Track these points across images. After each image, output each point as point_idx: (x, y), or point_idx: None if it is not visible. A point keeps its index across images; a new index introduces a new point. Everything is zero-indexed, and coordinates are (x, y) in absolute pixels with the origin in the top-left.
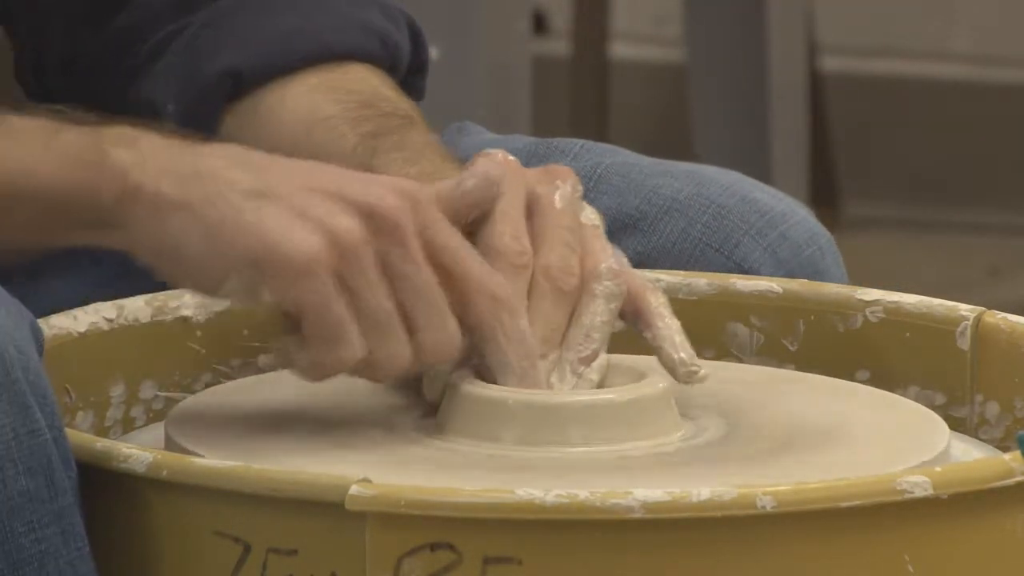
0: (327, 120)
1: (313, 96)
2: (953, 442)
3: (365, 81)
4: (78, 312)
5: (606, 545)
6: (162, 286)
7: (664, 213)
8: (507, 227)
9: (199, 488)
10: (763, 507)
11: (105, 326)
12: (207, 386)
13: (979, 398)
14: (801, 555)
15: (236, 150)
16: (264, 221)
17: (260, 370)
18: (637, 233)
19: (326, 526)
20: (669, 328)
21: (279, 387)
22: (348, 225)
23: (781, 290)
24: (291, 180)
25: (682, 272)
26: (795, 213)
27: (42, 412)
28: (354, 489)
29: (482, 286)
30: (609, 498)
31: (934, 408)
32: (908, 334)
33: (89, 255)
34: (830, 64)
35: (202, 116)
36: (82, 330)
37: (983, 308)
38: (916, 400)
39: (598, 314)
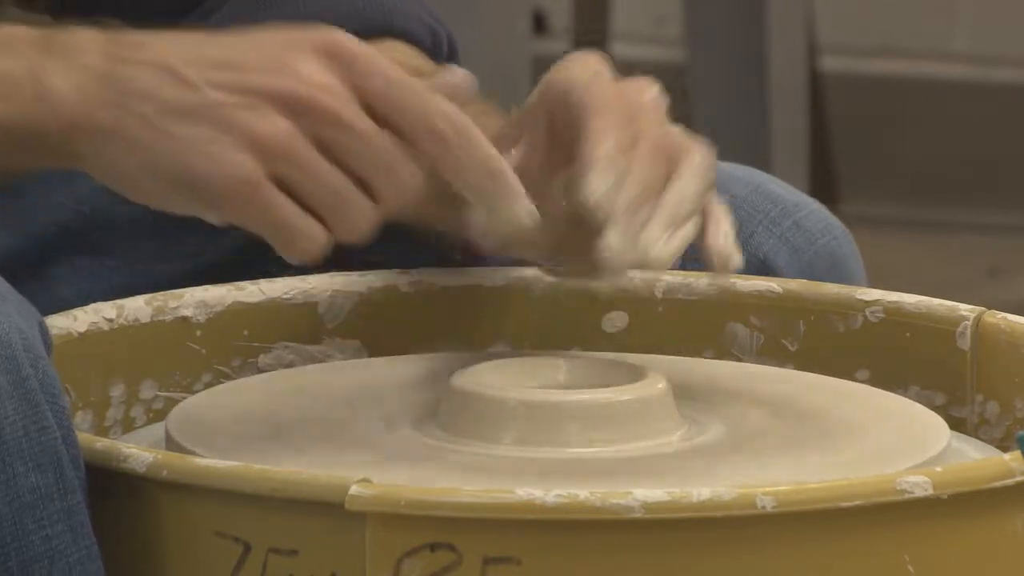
0: None
1: None
2: (953, 442)
3: (420, 58)
4: (78, 312)
5: (606, 545)
6: (162, 286)
7: None
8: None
9: (199, 488)
10: (763, 507)
11: (105, 326)
12: (207, 386)
13: (979, 398)
14: (801, 555)
15: (163, 50)
16: (193, 147)
17: (260, 370)
18: None
19: (326, 526)
20: (719, 221)
21: (279, 387)
22: (273, 128)
23: (781, 290)
24: (216, 78)
25: (682, 272)
26: (808, 204)
27: (51, 410)
28: (354, 489)
29: (425, 116)
30: (609, 498)
31: (934, 408)
32: (908, 334)
33: (90, 254)
34: (830, 64)
35: None
36: (82, 330)
37: (983, 308)
38: (916, 400)
39: (692, 183)
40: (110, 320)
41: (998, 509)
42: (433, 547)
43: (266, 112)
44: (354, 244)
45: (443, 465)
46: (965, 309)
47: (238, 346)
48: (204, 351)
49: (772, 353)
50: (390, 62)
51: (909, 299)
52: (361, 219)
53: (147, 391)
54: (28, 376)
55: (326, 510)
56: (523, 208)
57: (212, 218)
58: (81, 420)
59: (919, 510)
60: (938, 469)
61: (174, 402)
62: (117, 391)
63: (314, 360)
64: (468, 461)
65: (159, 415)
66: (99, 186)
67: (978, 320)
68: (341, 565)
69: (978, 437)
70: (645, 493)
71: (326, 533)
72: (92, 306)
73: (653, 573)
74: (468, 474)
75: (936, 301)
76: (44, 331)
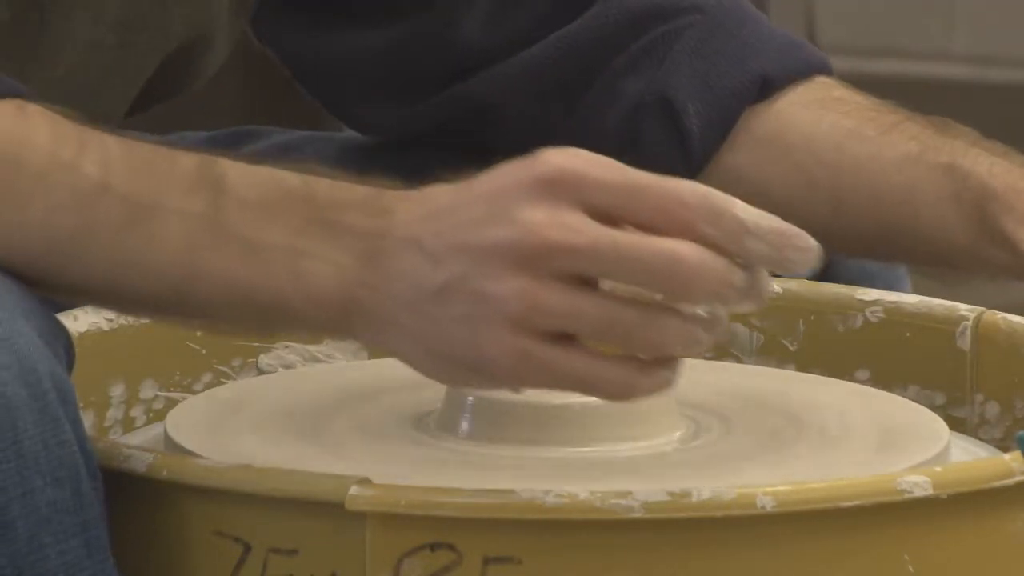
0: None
1: (821, 107)
2: (953, 442)
3: (851, 92)
4: (78, 312)
5: (606, 545)
6: None
7: None
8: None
9: (199, 488)
10: (763, 507)
11: (105, 326)
12: (207, 386)
13: (979, 398)
14: (801, 555)
15: (409, 216)
16: (451, 330)
17: (260, 370)
18: None
19: (326, 526)
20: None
21: (279, 387)
22: (516, 291)
23: (781, 290)
24: (454, 241)
25: None
26: None
27: (70, 424)
28: (354, 489)
29: (666, 209)
30: (609, 498)
31: (934, 408)
32: (908, 334)
33: None
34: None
35: (725, 117)
36: (82, 330)
37: (983, 308)
38: (916, 400)
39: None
40: (110, 320)
41: (998, 509)
42: (433, 547)
43: (501, 275)
44: (680, 356)
45: (443, 465)
46: (965, 309)
47: (238, 346)
48: (204, 351)
49: (772, 353)
50: (615, 165)
51: (909, 299)
52: (662, 333)
53: (147, 391)
54: (48, 391)
55: (326, 510)
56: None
57: (506, 389)
58: (84, 424)
59: (919, 510)
60: (938, 469)
61: (174, 402)
62: (117, 391)
63: (315, 360)
64: (468, 461)
65: (159, 415)
66: None
67: (978, 320)
68: (341, 565)
69: (978, 437)
70: (645, 493)
71: (326, 533)
72: (93, 306)
73: (653, 573)
74: (468, 474)
75: (936, 301)
76: (68, 345)
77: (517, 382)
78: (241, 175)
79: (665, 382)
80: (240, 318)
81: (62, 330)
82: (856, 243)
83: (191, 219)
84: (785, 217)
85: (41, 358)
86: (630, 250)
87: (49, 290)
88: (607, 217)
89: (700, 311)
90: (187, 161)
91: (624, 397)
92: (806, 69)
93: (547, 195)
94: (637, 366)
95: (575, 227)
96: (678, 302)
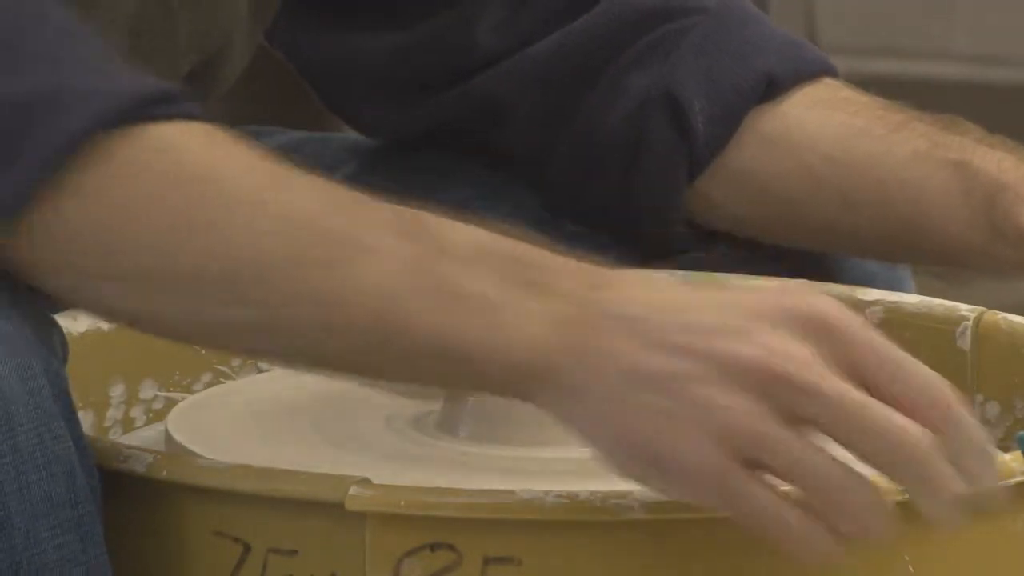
0: (871, 123)
1: (827, 108)
2: None
3: (858, 93)
4: (78, 312)
5: (606, 545)
6: None
7: None
8: None
9: (199, 488)
10: None
11: (105, 326)
12: (207, 386)
13: (979, 398)
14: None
15: (632, 296)
16: (650, 421)
17: (260, 370)
18: None
19: (326, 526)
20: None
21: (279, 387)
22: (738, 408)
23: None
24: (678, 340)
25: (681, 272)
26: None
27: (65, 419)
28: (354, 489)
29: (925, 390)
30: (609, 498)
31: None
32: (908, 334)
33: None
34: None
35: (730, 115)
36: (82, 330)
37: (983, 308)
38: None
39: None
40: None
41: (998, 509)
42: (433, 547)
43: (729, 388)
44: (865, 538)
45: (443, 465)
46: (965, 309)
47: None
48: (204, 351)
49: None
50: (873, 329)
51: (909, 299)
52: (867, 508)
53: (147, 391)
54: (43, 385)
55: (326, 510)
56: None
57: (683, 497)
58: (81, 420)
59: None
60: None
61: (174, 402)
62: (117, 391)
63: None
64: (468, 461)
65: (159, 415)
66: None
67: (978, 320)
68: (341, 565)
69: None
70: (645, 493)
71: (326, 533)
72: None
73: (653, 573)
74: (468, 474)
75: (936, 301)
76: (62, 340)
77: (701, 495)
78: (444, 225)
79: (837, 555)
80: (426, 370)
81: (55, 325)
82: (864, 242)
83: (396, 261)
84: (790, 216)
85: (35, 353)
86: (877, 419)
87: (232, 331)
88: (852, 375)
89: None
90: (385, 205)
91: (798, 554)
92: (812, 70)
93: (801, 332)
94: (822, 527)
95: (825, 374)
96: (901, 487)
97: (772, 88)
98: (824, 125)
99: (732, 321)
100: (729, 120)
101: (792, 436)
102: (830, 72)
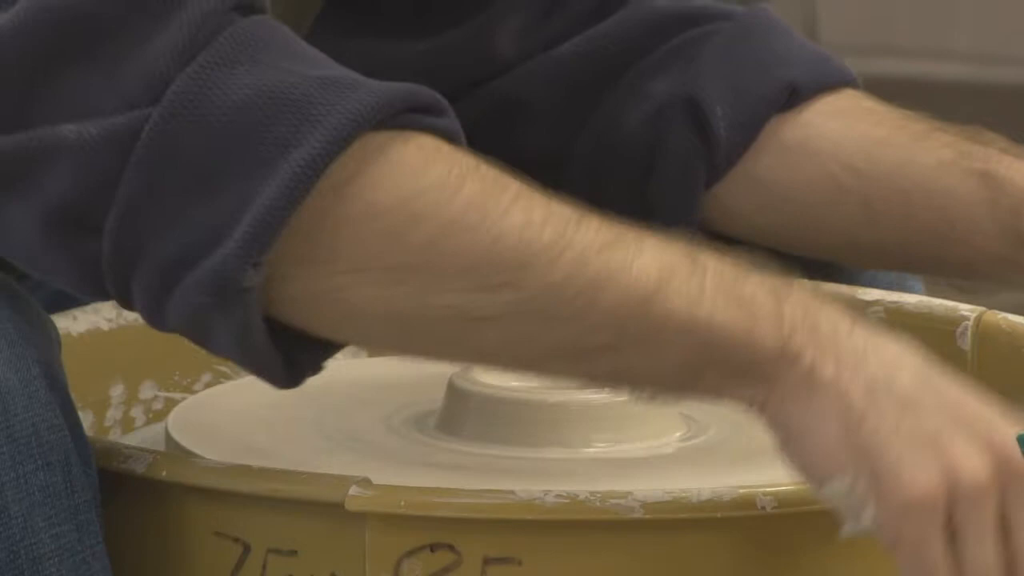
0: (894, 133)
1: (851, 117)
2: None
3: (880, 103)
4: (78, 312)
5: (606, 545)
6: None
7: None
8: None
9: (199, 488)
10: (763, 507)
11: (105, 326)
12: (207, 386)
13: None
14: (801, 555)
15: (900, 350)
16: (898, 436)
17: None
18: None
19: (326, 526)
20: None
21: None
22: (975, 466)
23: None
24: (941, 397)
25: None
26: None
27: (61, 408)
28: (354, 489)
29: None
30: (609, 498)
31: None
32: (908, 334)
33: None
34: None
35: (752, 122)
36: (82, 330)
37: (983, 308)
38: None
39: None
40: (110, 320)
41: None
42: (433, 547)
43: (976, 449)
44: None
45: (443, 465)
46: (965, 309)
47: None
48: (204, 351)
49: None
50: None
51: (910, 299)
52: None
53: (147, 391)
54: (36, 376)
55: (326, 510)
56: None
57: (862, 512)
58: (81, 420)
59: None
60: None
61: (174, 402)
62: (117, 391)
63: None
64: (468, 461)
65: (159, 415)
66: None
67: (978, 320)
68: (341, 565)
69: None
70: (645, 493)
71: (326, 533)
72: (92, 306)
73: (653, 573)
74: (468, 474)
75: (936, 301)
76: (54, 332)
77: (892, 515)
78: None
79: None
80: (681, 358)
81: (47, 318)
82: (887, 253)
83: (663, 259)
84: (811, 225)
85: (29, 344)
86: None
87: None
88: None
89: None
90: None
91: None
92: (834, 80)
93: (982, 447)
94: None
95: (991, 490)
96: None
97: (794, 97)
98: (847, 135)
99: (942, 415)
100: (750, 127)
101: (993, 521)
102: (852, 83)
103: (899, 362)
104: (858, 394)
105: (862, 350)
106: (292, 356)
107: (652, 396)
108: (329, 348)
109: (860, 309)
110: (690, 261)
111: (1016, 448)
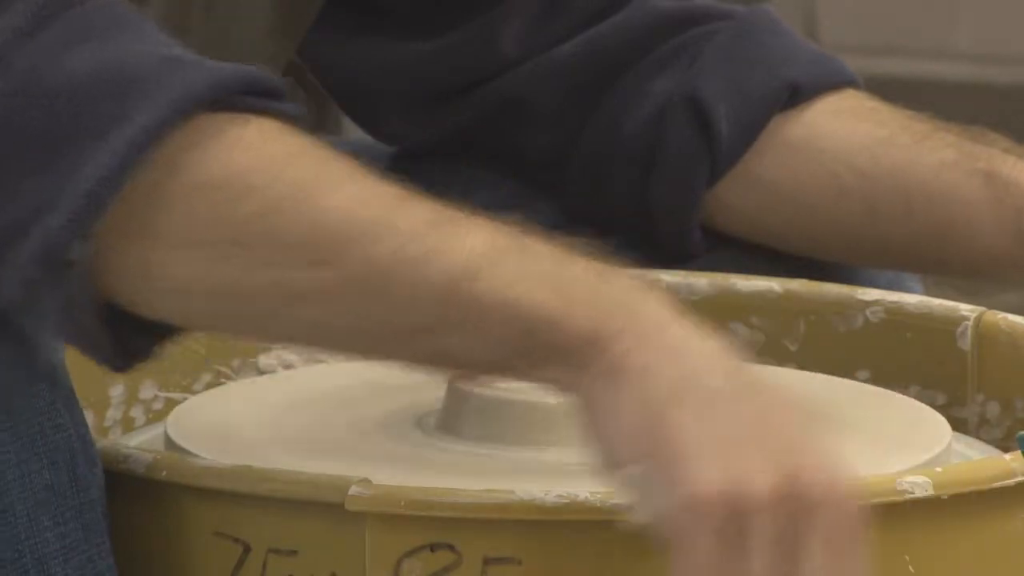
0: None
1: (851, 117)
2: (953, 442)
3: (883, 104)
4: None
5: (606, 545)
6: None
7: None
8: None
9: (199, 488)
10: None
11: None
12: (207, 386)
13: (980, 398)
14: None
15: (721, 351)
16: (695, 433)
17: (260, 370)
18: None
19: (326, 526)
20: None
21: (279, 387)
22: (760, 482)
23: (781, 290)
24: (750, 406)
25: (682, 272)
26: None
27: (66, 408)
28: (354, 489)
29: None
30: (609, 498)
31: (935, 408)
32: (909, 334)
33: None
34: None
35: (754, 121)
36: None
37: (983, 308)
38: (917, 400)
39: None
40: None
41: (998, 509)
42: (433, 547)
43: (771, 466)
44: None
45: (443, 465)
46: (965, 309)
47: (238, 346)
48: (204, 351)
49: (772, 353)
50: (852, 507)
51: (910, 299)
52: None
53: (147, 391)
54: (40, 375)
55: (326, 510)
56: None
57: (650, 501)
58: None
59: (919, 510)
60: (938, 469)
61: (174, 402)
62: (117, 391)
63: (314, 361)
64: (468, 461)
65: (159, 415)
66: None
67: (978, 320)
68: (341, 565)
69: (979, 437)
70: None
71: (326, 533)
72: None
73: (653, 573)
74: (468, 474)
75: (936, 301)
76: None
77: (668, 518)
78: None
79: None
80: (498, 338)
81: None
82: (889, 252)
83: (489, 245)
84: (813, 224)
85: (34, 342)
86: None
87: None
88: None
89: None
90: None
91: None
92: (836, 80)
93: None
94: None
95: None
96: None
97: (796, 96)
98: (850, 134)
99: (768, 452)
100: (752, 125)
101: (769, 541)
102: (854, 84)
103: (716, 362)
104: (666, 386)
105: (680, 344)
106: (126, 340)
107: (472, 377)
108: (163, 334)
109: (860, 309)
110: (517, 244)
111: (818, 475)
